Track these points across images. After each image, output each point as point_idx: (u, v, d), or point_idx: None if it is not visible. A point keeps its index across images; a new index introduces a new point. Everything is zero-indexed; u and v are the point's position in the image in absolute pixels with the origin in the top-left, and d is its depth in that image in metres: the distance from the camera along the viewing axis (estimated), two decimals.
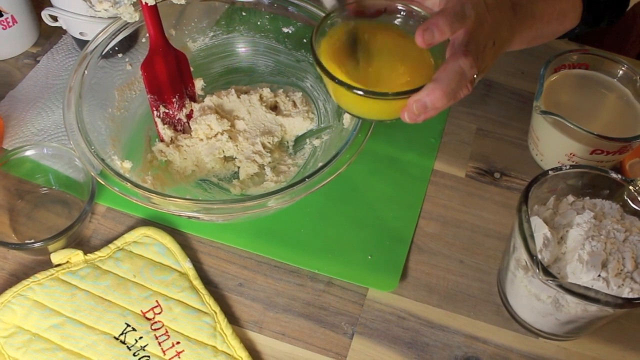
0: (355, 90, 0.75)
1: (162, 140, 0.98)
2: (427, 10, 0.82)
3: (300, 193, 0.81)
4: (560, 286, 0.74)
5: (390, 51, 0.81)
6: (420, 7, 0.82)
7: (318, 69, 0.78)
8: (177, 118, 0.99)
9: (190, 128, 0.98)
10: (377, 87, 0.76)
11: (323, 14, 0.95)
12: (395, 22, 0.83)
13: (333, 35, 0.82)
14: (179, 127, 0.99)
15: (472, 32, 0.75)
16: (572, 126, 0.92)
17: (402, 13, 0.83)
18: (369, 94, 0.75)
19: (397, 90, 0.74)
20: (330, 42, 0.81)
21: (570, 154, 0.97)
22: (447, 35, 0.72)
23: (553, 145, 0.99)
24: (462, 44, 0.74)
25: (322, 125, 1.01)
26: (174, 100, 0.98)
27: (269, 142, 0.98)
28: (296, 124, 1.01)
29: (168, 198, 0.80)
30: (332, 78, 0.76)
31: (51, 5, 1.05)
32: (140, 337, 0.84)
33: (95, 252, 0.90)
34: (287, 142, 1.02)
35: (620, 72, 1.02)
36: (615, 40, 1.51)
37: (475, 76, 0.74)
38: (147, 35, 0.93)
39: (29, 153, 0.93)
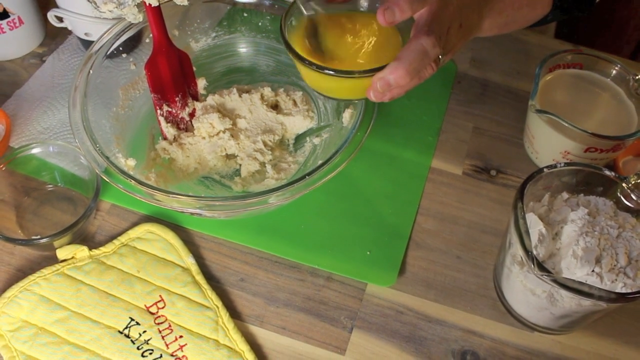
0: (325, 71, 0.75)
1: (165, 139, 0.97)
2: None
3: (300, 190, 0.81)
4: (555, 281, 0.74)
5: (359, 34, 0.81)
6: None
7: (289, 54, 0.78)
8: (180, 117, 0.99)
9: (193, 126, 0.98)
10: (343, 66, 0.77)
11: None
12: (363, 5, 0.83)
13: (303, 21, 0.82)
14: (181, 126, 0.99)
15: (436, 12, 0.74)
16: (566, 125, 0.92)
17: None
18: (338, 73, 0.76)
19: (364, 69, 0.75)
20: (300, 27, 0.82)
21: (565, 151, 0.97)
22: (407, 14, 0.72)
23: (548, 143, 0.99)
24: (425, 24, 0.73)
25: (322, 124, 1.01)
26: (177, 99, 0.98)
27: (270, 140, 0.98)
28: (296, 123, 1.01)
29: (171, 195, 0.81)
30: (302, 60, 0.77)
31: (57, 7, 1.05)
32: (144, 331, 0.84)
33: (100, 248, 0.90)
34: (288, 140, 1.02)
35: (614, 71, 1.02)
36: (609, 41, 1.51)
37: (440, 56, 0.74)
38: (151, 35, 0.93)
39: (35, 151, 0.93)
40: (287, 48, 0.79)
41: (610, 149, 0.95)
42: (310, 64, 0.77)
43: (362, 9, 0.84)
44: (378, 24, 0.76)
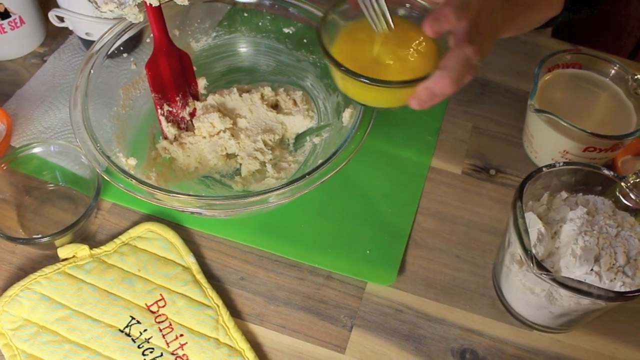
0: (361, 79, 0.75)
1: (165, 138, 0.97)
2: (428, 1, 0.83)
3: (300, 189, 0.81)
4: (554, 280, 0.74)
5: (395, 41, 0.81)
6: None
7: (326, 59, 0.78)
8: (180, 116, 0.99)
9: (194, 126, 0.98)
10: (383, 75, 0.77)
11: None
12: (399, 13, 0.84)
13: (340, 27, 0.83)
14: (182, 125, 0.99)
15: (474, 21, 0.75)
16: (565, 124, 0.92)
17: (406, 5, 0.84)
18: (374, 82, 0.76)
19: (402, 79, 0.76)
20: (336, 33, 0.82)
21: (564, 151, 0.97)
22: (453, 25, 0.74)
23: (547, 143, 0.99)
24: (466, 33, 0.75)
25: (322, 123, 1.01)
26: (177, 98, 0.98)
27: (270, 140, 0.98)
28: (297, 122, 1.01)
29: (172, 194, 0.80)
30: (339, 66, 0.76)
31: (58, 7, 1.05)
32: (145, 330, 0.84)
33: (101, 247, 0.90)
34: (288, 140, 1.01)
35: (613, 71, 1.02)
36: (608, 41, 1.51)
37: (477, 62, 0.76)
38: (152, 35, 0.93)
39: (36, 150, 0.93)
40: (324, 55, 0.79)
41: (609, 148, 0.95)
42: (348, 72, 0.77)
43: (399, 13, 0.84)
44: (414, 31, 0.79)
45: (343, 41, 0.82)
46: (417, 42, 0.81)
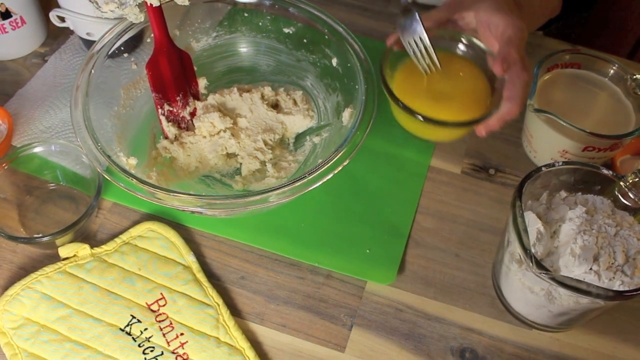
0: (418, 117, 0.82)
1: (166, 138, 0.97)
2: (469, 31, 0.91)
3: (300, 189, 0.81)
4: (553, 279, 0.74)
5: (453, 77, 0.89)
6: (471, 34, 0.90)
7: (387, 94, 0.84)
8: (181, 116, 0.99)
9: (194, 125, 0.98)
10: (442, 113, 0.84)
11: (322, 16, 0.96)
12: (458, 50, 0.93)
13: (400, 62, 0.89)
14: (182, 125, 0.99)
15: (520, 46, 0.84)
16: (564, 124, 0.92)
17: (463, 41, 0.91)
18: (434, 122, 0.83)
19: (459, 118, 0.85)
20: (396, 68, 0.88)
21: (563, 150, 0.97)
22: (516, 61, 0.82)
23: (546, 143, 0.99)
24: (519, 60, 0.83)
25: (321, 123, 1.01)
26: (178, 98, 0.98)
27: (270, 140, 0.98)
28: (297, 122, 1.00)
29: (172, 194, 0.80)
30: (397, 102, 0.83)
31: (59, 7, 1.05)
32: (145, 329, 0.84)
33: (102, 246, 0.90)
34: (288, 140, 1.01)
35: (612, 71, 1.02)
36: (607, 41, 1.51)
37: None
38: (152, 35, 0.93)
39: (37, 150, 0.93)
40: (385, 90, 0.85)
41: (608, 147, 0.95)
42: (405, 108, 0.83)
43: (457, 50, 0.92)
44: (468, 66, 0.90)
45: (402, 76, 0.89)
46: (470, 75, 0.89)
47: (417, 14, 0.84)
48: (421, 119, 0.82)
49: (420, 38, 0.85)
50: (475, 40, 0.89)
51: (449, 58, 0.92)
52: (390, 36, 0.87)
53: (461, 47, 0.94)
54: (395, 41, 0.87)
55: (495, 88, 0.90)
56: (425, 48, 0.85)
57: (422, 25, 0.84)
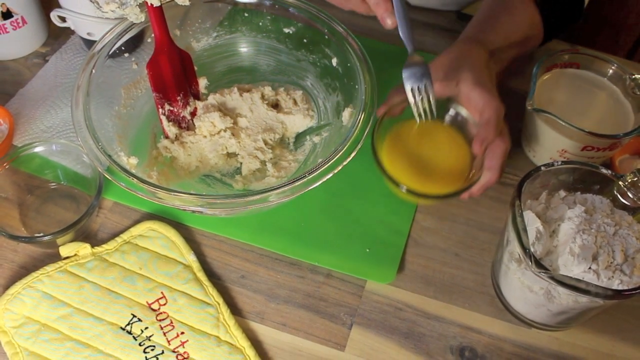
0: (401, 188, 0.85)
1: (167, 137, 0.97)
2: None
3: (300, 188, 0.81)
4: (552, 278, 0.74)
5: (438, 147, 0.92)
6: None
7: (375, 164, 0.87)
8: (181, 115, 0.99)
9: (194, 125, 0.98)
10: (424, 182, 0.88)
11: (322, 16, 0.96)
12: (446, 117, 0.94)
13: (387, 132, 0.91)
14: (183, 125, 0.99)
15: (499, 115, 0.87)
16: (563, 123, 0.92)
17: (450, 110, 0.93)
18: (418, 195, 0.86)
19: (439, 193, 0.87)
20: (384, 138, 0.91)
21: (562, 150, 0.97)
22: (493, 140, 0.86)
23: (545, 142, 0.99)
24: (497, 132, 0.86)
25: (321, 123, 1.01)
26: (178, 98, 0.98)
27: (271, 139, 0.98)
28: (297, 122, 1.00)
29: (173, 193, 0.80)
30: (385, 173, 0.86)
31: (60, 7, 1.05)
32: (146, 328, 0.84)
33: (103, 245, 0.90)
34: (288, 139, 1.01)
35: (610, 71, 1.02)
36: (607, 40, 1.51)
37: None
38: (153, 35, 0.93)
39: (38, 149, 0.93)
40: (375, 161, 0.87)
41: (607, 147, 0.95)
42: (391, 180, 0.86)
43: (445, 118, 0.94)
44: (453, 134, 0.92)
45: (390, 145, 0.91)
46: (454, 145, 0.92)
47: (427, 66, 0.88)
48: (404, 190, 0.86)
49: (425, 86, 0.87)
50: (461, 109, 0.92)
51: (436, 126, 0.94)
52: (380, 106, 0.89)
53: (448, 115, 0.95)
54: (386, 111, 0.90)
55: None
56: (428, 96, 0.88)
57: (430, 76, 0.87)
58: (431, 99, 0.87)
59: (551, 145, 0.98)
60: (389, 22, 0.85)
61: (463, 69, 0.90)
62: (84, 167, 0.94)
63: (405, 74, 0.87)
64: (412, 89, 0.87)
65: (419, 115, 0.88)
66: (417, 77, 0.87)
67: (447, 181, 0.90)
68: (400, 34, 0.87)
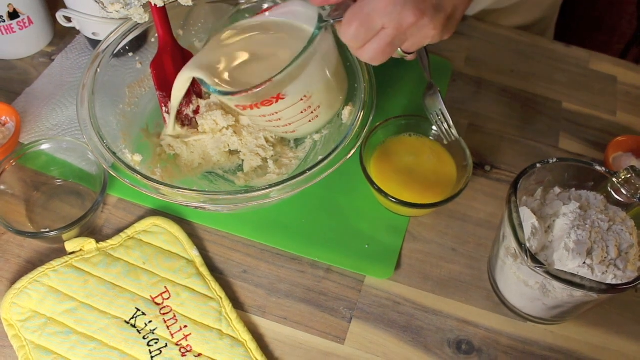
0: (390, 198, 0.90)
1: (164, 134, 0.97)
2: None
3: (301, 185, 0.81)
4: (548, 273, 0.74)
5: (425, 161, 0.98)
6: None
7: (365, 178, 0.92)
8: (184, 114, 0.98)
9: (197, 123, 0.98)
10: (412, 193, 0.93)
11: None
12: (430, 134, 1.00)
13: (377, 146, 0.98)
14: (186, 122, 0.99)
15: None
16: None
17: (434, 127, 0.97)
18: (402, 203, 0.90)
19: (425, 202, 0.91)
20: (373, 153, 0.97)
21: None
22: None
23: None
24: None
25: None
26: None
27: (272, 137, 0.98)
28: None
29: (176, 189, 0.80)
30: (372, 184, 0.91)
31: (65, 7, 1.05)
32: (150, 321, 0.84)
33: (107, 241, 0.90)
34: None
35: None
36: (600, 41, 1.51)
37: None
38: (156, 35, 0.93)
39: (44, 147, 0.92)
40: (364, 174, 0.92)
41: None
42: (379, 191, 0.90)
43: (429, 135, 1.00)
44: (438, 149, 0.98)
45: (378, 159, 0.96)
46: (440, 159, 0.97)
47: (439, 92, 0.93)
48: (394, 200, 0.89)
49: (441, 110, 0.93)
50: (445, 126, 0.95)
51: (422, 142, 1.00)
52: None
53: (433, 131, 0.99)
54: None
55: (462, 166, 0.96)
56: (445, 119, 0.93)
57: (441, 100, 0.92)
58: (448, 120, 0.93)
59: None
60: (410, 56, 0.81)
61: None
62: (89, 164, 0.93)
63: (424, 103, 0.94)
64: (432, 115, 0.94)
65: (444, 135, 0.94)
66: (433, 104, 0.94)
67: (433, 192, 0.94)
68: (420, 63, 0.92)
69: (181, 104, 0.97)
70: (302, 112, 0.84)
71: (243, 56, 0.86)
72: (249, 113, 0.83)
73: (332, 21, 0.76)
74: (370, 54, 0.74)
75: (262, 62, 0.84)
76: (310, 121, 0.86)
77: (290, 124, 0.85)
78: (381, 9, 0.70)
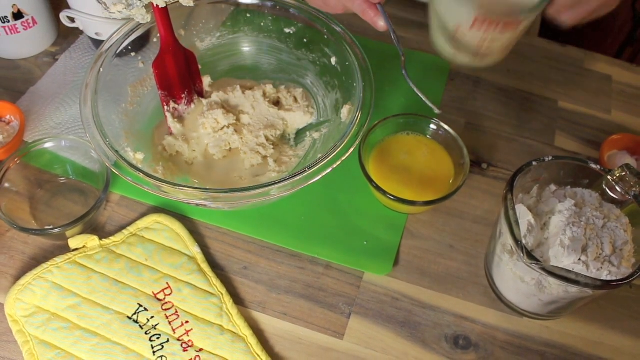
0: (388, 196, 0.90)
1: (171, 134, 0.97)
2: None
3: (300, 183, 0.81)
4: (543, 269, 0.74)
5: (422, 159, 0.97)
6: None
7: (364, 176, 0.92)
8: (186, 113, 0.98)
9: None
10: (411, 191, 0.93)
11: (322, 16, 0.96)
12: (427, 132, 1.00)
13: (375, 145, 0.98)
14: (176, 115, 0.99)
15: None
16: None
17: (432, 125, 0.99)
18: (401, 201, 0.90)
19: (423, 200, 0.91)
20: (371, 151, 0.97)
21: (457, 25, 0.86)
22: None
23: (444, 15, 0.89)
24: None
25: (321, 119, 1.00)
26: (183, 96, 0.98)
27: (272, 135, 0.98)
28: (297, 118, 1.00)
29: (177, 187, 0.80)
30: (371, 182, 0.91)
31: (69, 8, 1.05)
32: (152, 317, 0.84)
33: (110, 238, 0.90)
34: (289, 135, 1.01)
35: None
36: (596, 41, 1.51)
37: None
38: (158, 35, 0.93)
39: (48, 145, 0.92)
40: (362, 171, 0.92)
41: (502, 24, 0.85)
42: (378, 188, 0.90)
43: (426, 134, 1.00)
44: (436, 148, 0.98)
45: (376, 158, 0.96)
46: (437, 157, 0.97)
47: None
48: (392, 198, 0.89)
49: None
50: (443, 125, 0.97)
51: (420, 141, 1.00)
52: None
53: (431, 130, 0.99)
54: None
55: (460, 164, 0.96)
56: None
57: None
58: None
59: (448, 18, 0.88)
60: (381, 24, 0.85)
61: None
62: (92, 162, 0.93)
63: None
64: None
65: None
66: None
67: (431, 190, 0.94)
68: (393, 37, 0.88)
69: (182, 102, 0.97)
70: None
71: None
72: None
73: None
74: (572, 15, 0.85)
75: None
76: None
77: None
78: None
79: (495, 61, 0.94)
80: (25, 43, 1.11)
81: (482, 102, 1.12)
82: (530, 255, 0.74)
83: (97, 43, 1.09)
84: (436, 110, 0.91)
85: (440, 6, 0.89)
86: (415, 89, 0.89)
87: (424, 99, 0.89)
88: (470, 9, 0.83)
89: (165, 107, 0.96)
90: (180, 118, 0.98)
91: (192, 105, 0.99)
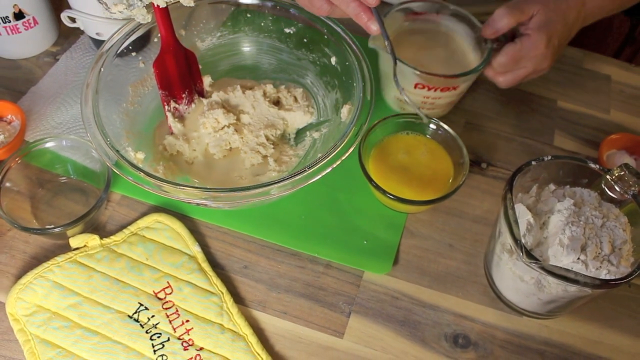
0: (388, 195, 0.90)
1: (172, 133, 0.97)
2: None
3: (301, 182, 0.81)
4: (543, 268, 0.74)
5: (422, 159, 0.97)
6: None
7: (363, 173, 0.92)
8: (186, 112, 0.98)
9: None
10: (410, 190, 0.93)
11: (322, 17, 0.95)
12: (427, 132, 0.99)
13: (375, 144, 0.98)
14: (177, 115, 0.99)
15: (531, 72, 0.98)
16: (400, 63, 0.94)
17: (432, 125, 0.98)
18: (401, 200, 0.90)
19: (422, 199, 0.91)
20: (371, 151, 0.97)
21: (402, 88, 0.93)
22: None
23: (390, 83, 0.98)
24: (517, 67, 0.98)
25: (321, 119, 1.00)
26: (183, 95, 0.97)
27: (272, 135, 0.98)
28: (297, 118, 1.00)
29: (178, 186, 0.80)
30: (371, 181, 0.91)
31: (70, 8, 1.05)
32: (153, 316, 0.84)
33: (111, 237, 0.90)
34: (289, 135, 1.01)
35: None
36: (594, 41, 1.50)
37: None
38: (159, 35, 0.93)
39: (49, 145, 0.92)
40: (362, 170, 0.92)
41: (439, 88, 0.98)
42: (377, 188, 0.90)
43: (426, 134, 1.00)
44: (436, 147, 0.98)
45: (376, 158, 0.96)
46: (436, 157, 0.97)
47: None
48: (392, 197, 0.89)
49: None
50: (443, 124, 0.97)
51: (419, 140, 0.99)
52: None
53: (430, 129, 0.99)
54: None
55: (459, 164, 0.96)
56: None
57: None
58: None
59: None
60: (374, 28, 0.85)
61: (550, 14, 0.95)
62: (93, 161, 0.93)
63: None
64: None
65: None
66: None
67: (430, 189, 0.94)
68: (386, 43, 0.89)
69: (183, 102, 0.97)
70: None
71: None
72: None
73: (494, 46, 0.98)
74: (507, 79, 0.98)
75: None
76: None
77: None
78: (532, 56, 0.94)
79: (441, 115, 1.08)
80: (26, 43, 1.11)
81: (482, 102, 1.12)
82: (529, 254, 0.74)
83: (98, 43, 1.09)
84: (425, 120, 0.95)
85: (387, 69, 0.97)
86: (405, 97, 0.89)
87: (412, 106, 0.91)
88: (412, 75, 0.96)
89: (166, 107, 0.96)
90: (180, 118, 0.98)
91: (193, 105, 0.99)
